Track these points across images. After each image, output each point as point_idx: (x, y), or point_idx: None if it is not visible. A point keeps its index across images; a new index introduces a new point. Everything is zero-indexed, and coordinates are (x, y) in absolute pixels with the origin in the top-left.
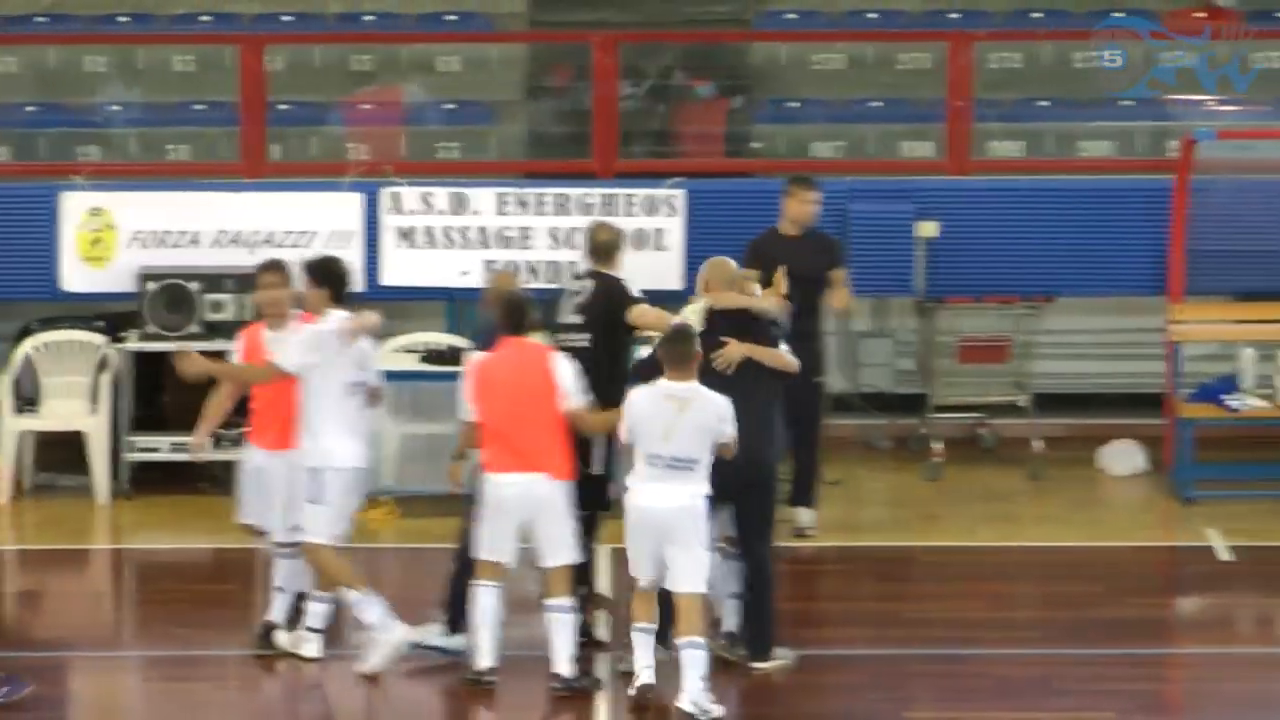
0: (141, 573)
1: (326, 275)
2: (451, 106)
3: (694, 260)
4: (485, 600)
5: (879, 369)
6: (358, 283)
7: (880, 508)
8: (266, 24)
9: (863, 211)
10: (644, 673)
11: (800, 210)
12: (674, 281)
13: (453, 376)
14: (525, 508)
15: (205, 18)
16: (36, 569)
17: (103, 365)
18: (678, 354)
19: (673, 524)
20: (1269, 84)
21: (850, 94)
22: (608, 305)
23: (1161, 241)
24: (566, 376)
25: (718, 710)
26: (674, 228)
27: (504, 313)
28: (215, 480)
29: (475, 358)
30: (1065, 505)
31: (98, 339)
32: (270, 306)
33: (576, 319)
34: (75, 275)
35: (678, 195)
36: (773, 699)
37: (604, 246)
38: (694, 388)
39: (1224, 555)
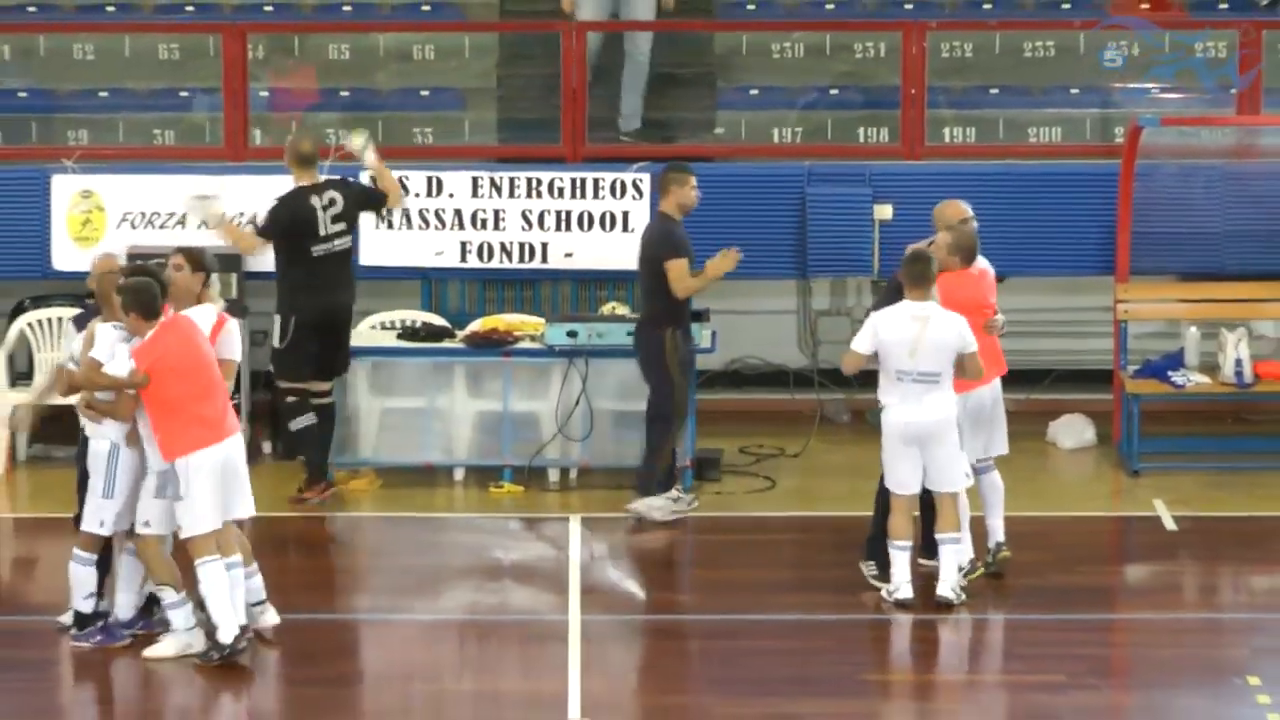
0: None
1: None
2: (425, 93)
3: None
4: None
5: (838, 346)
6: None
7: (838, 479)
8: (248, 14)
9: (821, 194)
10: (904, 587)
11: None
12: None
13: (427, 352)
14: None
15: (189, 8)
16: (30, 536)
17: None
18: (917, 274)
19: (930, 433)
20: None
21: (808, 81)
22: None
23: (1109, 224)
24: None
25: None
26: (639, 210)
27: None
28: None
29: None
30: (1016, 477)
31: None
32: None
33: None
34: (66, 255)
35: (643, 178)
36: (734, 661)
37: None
38: (932, 306)
39: (1170, 525)
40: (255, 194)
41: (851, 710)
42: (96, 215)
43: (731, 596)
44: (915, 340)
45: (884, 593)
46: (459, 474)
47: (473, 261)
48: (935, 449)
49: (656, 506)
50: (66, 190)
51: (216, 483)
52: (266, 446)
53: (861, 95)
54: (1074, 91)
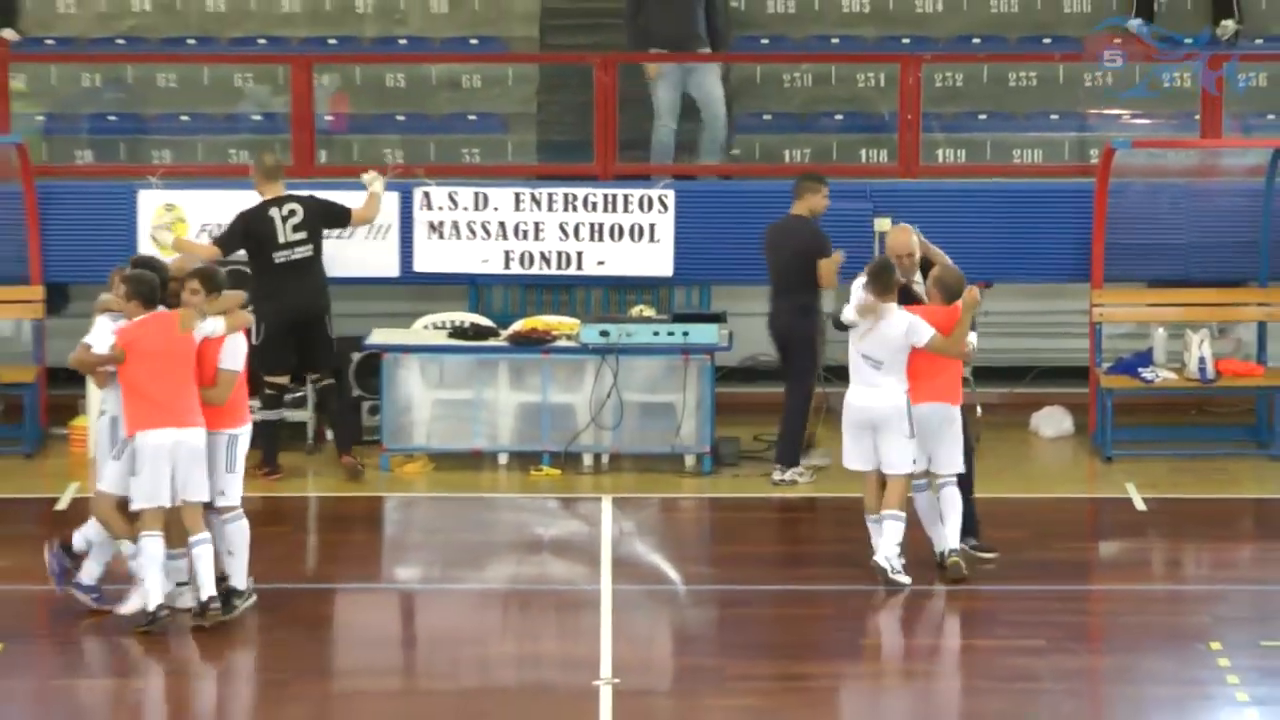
0: None
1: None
2: (473, 118)
3: (682, 251)
4: None
5: (841, 344)
6: (394, 269)
7: (841, 464)
8: (314, 46)
9: (827, 209)
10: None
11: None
12: (665, 269)
13: (474, 350)
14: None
15: (261, 40)
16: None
17: None
18: (882, 284)
19: (878, 419)
20: (1179, 100)
21: (816, 108)
22: None
23: (1085, 236)
24: None
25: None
26: (665, 223)
27: None
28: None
29: None
30: (1002, 463)
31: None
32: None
33: None
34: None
35: (668, 195)
36: (745, 628)
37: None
38: (890, 307)
39: (1140, 506)
40: None
41: (852, 671)
42: (178, 226)
43: (745, 569)
44: (866, 330)
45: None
46: (502, 458)
47: (515, 268)
48: (883, 434)
49: (800, 474)
50: (151, 204)
51: (165, 464)
52: (330, 433)
53: (863, 120)
54: (1054, 117)
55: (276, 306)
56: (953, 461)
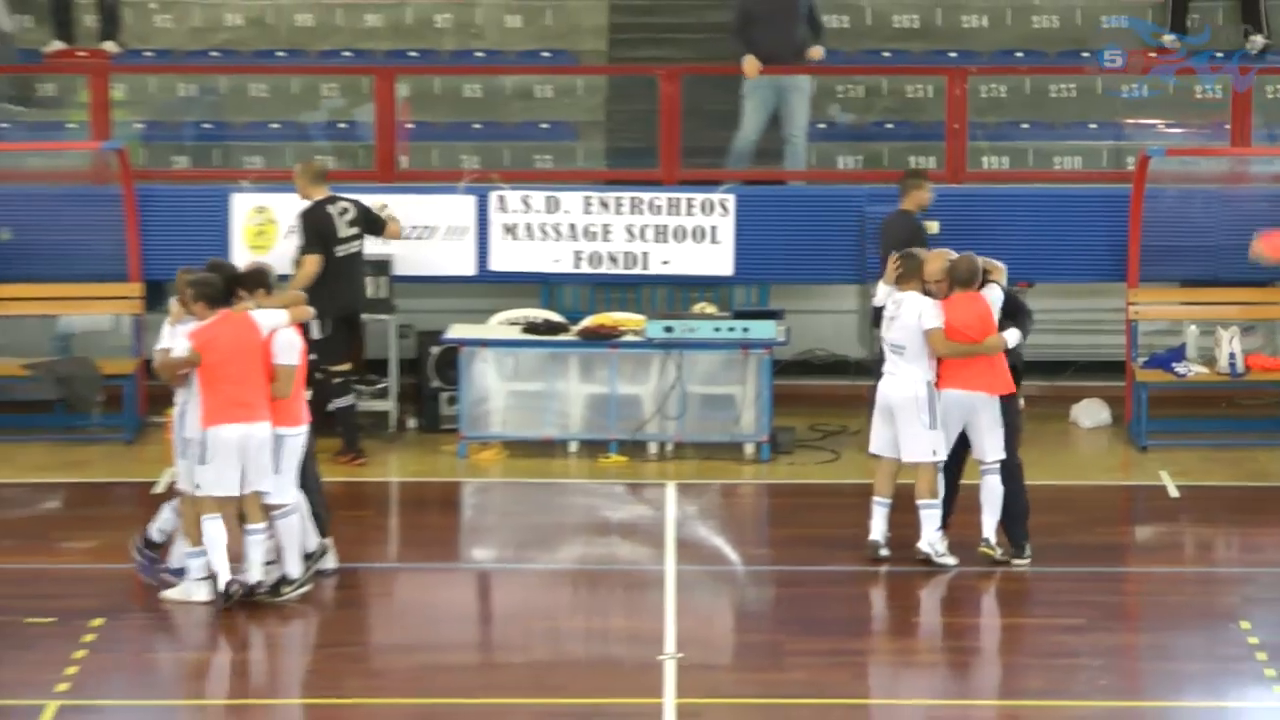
0: None
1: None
2: (545, 126)
3: (742, 252)
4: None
5: None
6: (471, 268)
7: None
8: (396, 58)
9: (878, 212)
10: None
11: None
12: (726, 269)
13: (547, 344)
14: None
15: (346, 53)
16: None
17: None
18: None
19: (898, 406)
20: (1210, 111)
21: (868, 117)
22: None
23: (1121, 238)
24: None
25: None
26: (726, 225)
27: None
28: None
29: None
30: (1043, 451)
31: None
32: None
33: None
34: (243, 261)
35: (729, 199)
36: (802, 605)
37: None
38: (911, 295)
39: (1173, 493)
40: (401, 211)
41: (901, 647)
42: (269, 227)
43: (801, 550)
44: (891, 316)
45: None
46: (573, 446)
47: (585, 268)
48: (901, 422)
49: None
50: (244, 206)
51: (235, 457)
52: (411, 422)
53: (912, 129)
54: (1092, 126)
55: (336, 298)
56: (993, 449)
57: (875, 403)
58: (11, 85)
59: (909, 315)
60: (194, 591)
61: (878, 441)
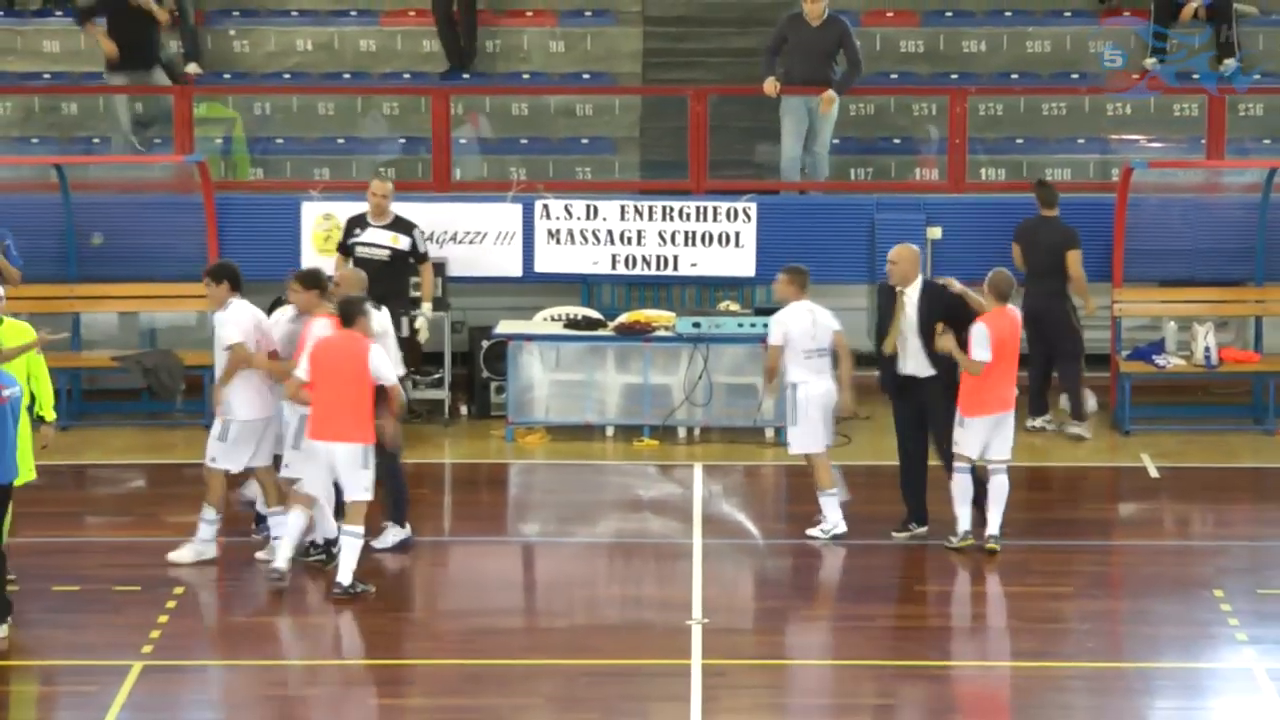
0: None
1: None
2: (585, 141)
3: (763, 256)
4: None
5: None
6: (518, 269)
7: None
8: (451, 79)
9: (886, 219)
10: (840, 524)
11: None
12: (748, 270)
13: (586, 338)
14: None
15: (406, 75)
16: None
17: None
18: (800, 283)
19: (831, 402)
20: (1187, 127)
21: (877, 133)
22: None
23: (1107, 242)
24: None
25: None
26: (748, 231)
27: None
28: (415, 413)
29: None
30: (1035, 436)
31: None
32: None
33: None
34: (312, 263)
35: (751, 207)
36: (816, 576)
37: None
38: (810, 303)
39: (1153, 473)
40: (455, 218)
41: (907, 612)
42: (335, 233)
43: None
44: (813, 326)
45: (819, 530)
46: (609, 431)
47: (620, 269)
48: (828, 415)
49: (1083, 425)
50: (312, 214)
51: (326, 469)
52: (464, 409)
53: (917, 143)
54: (1080, 141)
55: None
56: (1003, 451)
57: (818, 403)
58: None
59: (827, 318)
60: (207, 551)
61: (823, 438)
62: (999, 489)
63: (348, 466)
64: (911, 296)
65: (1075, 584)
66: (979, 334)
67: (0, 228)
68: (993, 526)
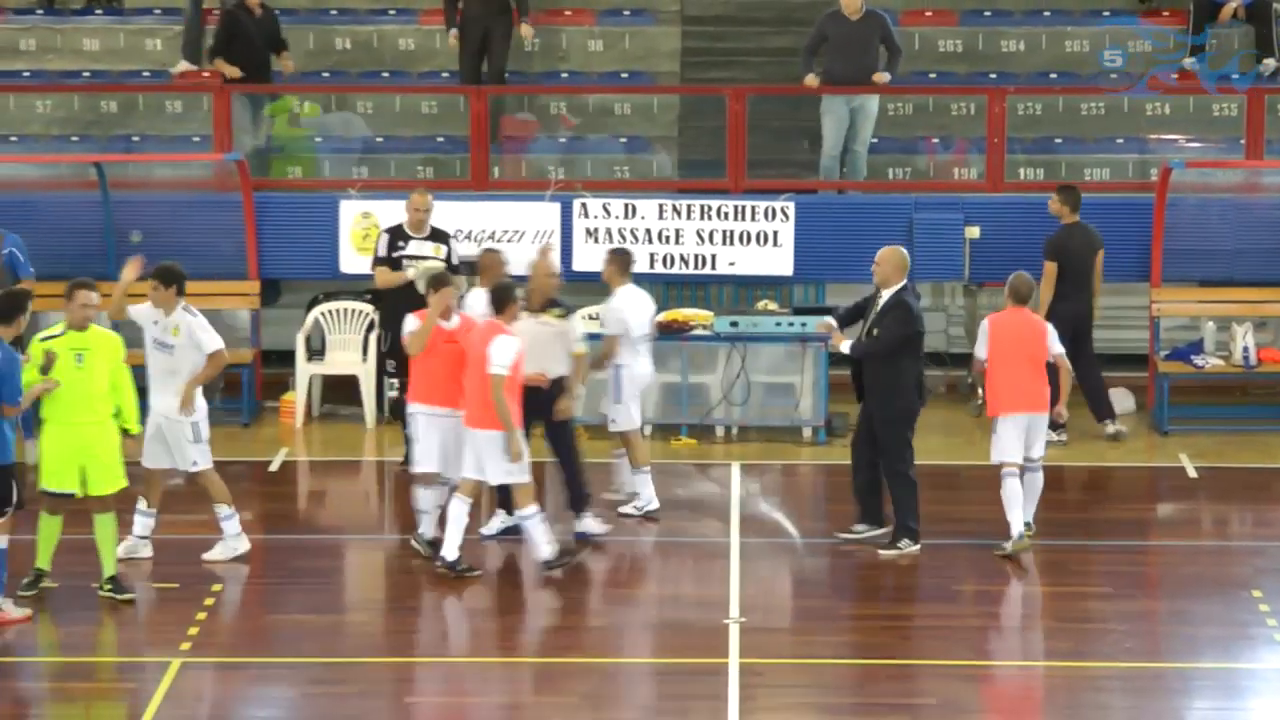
0: (397, 479)
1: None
2: (624, 140)
3: (801, 254)
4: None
5: (937, 334)
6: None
7: (936, 436)
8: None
9: (924, 219)
10: (653, 501)
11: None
12: (786, 269)
13: None
14: None
15: (444, 74)
16: (322, 476)
17: (370, 327)
18: (625, 264)
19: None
20: (1226, 127)
21: (916, 133)
22: None
23: (1145, 242)
24: None
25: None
26: (786, 230)
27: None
28: None
29: None
30: (1074, 435)
31: (367, 307)
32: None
33: None
34: (350, 260)
35: (789, 206)
36: (855, 573)
37: None
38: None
39: (1192, 473)
40: (494, 217)
41: (946, 612)
42: (373, 231)
43: (851, 525)
44: (645, 312)
45: (633, 508)
46: (647, 429)
47: (659, 268)
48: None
49: (1119, 426)
50: (351, 212)
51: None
52: None
53: (956, 143)
54: (1119, 141)
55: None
56: (1038, 449)
57: (642, 385)
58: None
59: (651, 306)
60: (238, 547)
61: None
62: (1034, 486)
63: (491, 453)
64: (885, 299)
65: (1113, 584)
66: (980, 332)
67: (8, 234)
68: (1026, 515)
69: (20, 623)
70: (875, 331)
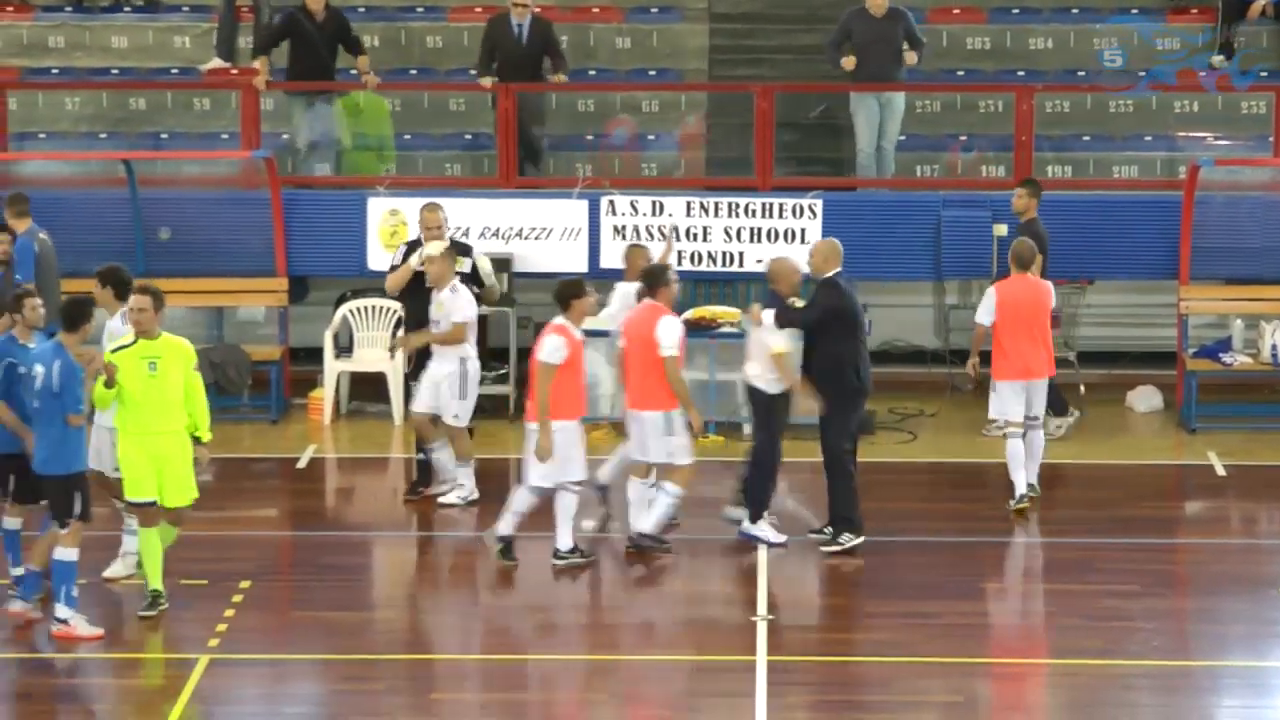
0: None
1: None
2: (652, 137)
3: None
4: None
5: (964, 332)
6: (584, 265)
7: (963, 434)
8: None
9: (951, 216)
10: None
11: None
12: None
13: None
14: None
15: (472, 71)
16: (350, 472)
17: (397, 324)
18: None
19: None
20: (1254, 125)
21: (943, 130)
22: None
23: (1174, 240)
24: None
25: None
26: (814, 228)
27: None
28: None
29: None
30: (1101, 433)
31: (395, 304)
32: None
33: None
34: (378, 258)
35: (816, 203)
36: (881, 571)
37: None
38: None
39: (1220, 471)
40: (521, 214)
41: (970, 609)
42: (401, 228)
43: (880, 522)
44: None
45: (456, 497)
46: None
47: (686, 265)
48: None
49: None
50: (379, 209)
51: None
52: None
53: (983, 141)
54: (1147, 139)
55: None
56: (1039, 408)
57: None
58: None
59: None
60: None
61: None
62: (1035, 444)
63: (654, 433)
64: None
65: (1141, 582)
66: (985, 298)
67: (27, 235)
68: (1030, 476)
69: (92, 640)
70: (758, 306)
